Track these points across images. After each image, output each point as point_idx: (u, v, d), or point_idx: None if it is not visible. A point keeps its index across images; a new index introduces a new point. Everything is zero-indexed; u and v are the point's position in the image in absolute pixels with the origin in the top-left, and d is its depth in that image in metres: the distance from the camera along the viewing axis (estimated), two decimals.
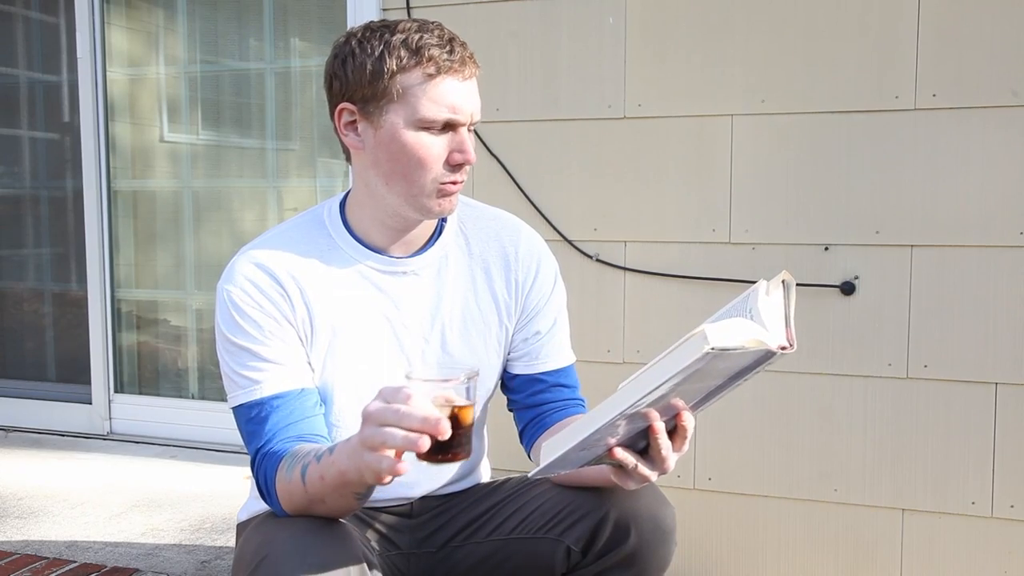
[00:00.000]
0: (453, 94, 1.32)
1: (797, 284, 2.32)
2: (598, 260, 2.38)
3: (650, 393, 1.06)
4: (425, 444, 1.05)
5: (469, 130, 1.37)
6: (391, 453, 1.08)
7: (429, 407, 1.07)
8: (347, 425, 1.42)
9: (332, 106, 1.41)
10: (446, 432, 1.06)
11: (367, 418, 1.10)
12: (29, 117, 3.43)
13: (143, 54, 3.22)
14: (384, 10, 2.55)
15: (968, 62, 2.08)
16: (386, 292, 1.43)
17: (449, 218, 1.50)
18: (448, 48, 1.32)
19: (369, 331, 1.43)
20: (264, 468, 1.31)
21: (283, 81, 3.06)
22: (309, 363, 1.40)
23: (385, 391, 1.10)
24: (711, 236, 2.28)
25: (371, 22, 1.38)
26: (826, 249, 2.21)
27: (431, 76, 1.31)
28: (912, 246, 2.15)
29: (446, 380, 1.11)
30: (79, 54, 3.15)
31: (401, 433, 1.06)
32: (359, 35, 1.35)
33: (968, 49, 2.08)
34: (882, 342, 2.18)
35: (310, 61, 3.05)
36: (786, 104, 2.21)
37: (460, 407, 1.10)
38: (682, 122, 2.29)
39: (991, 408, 2.12)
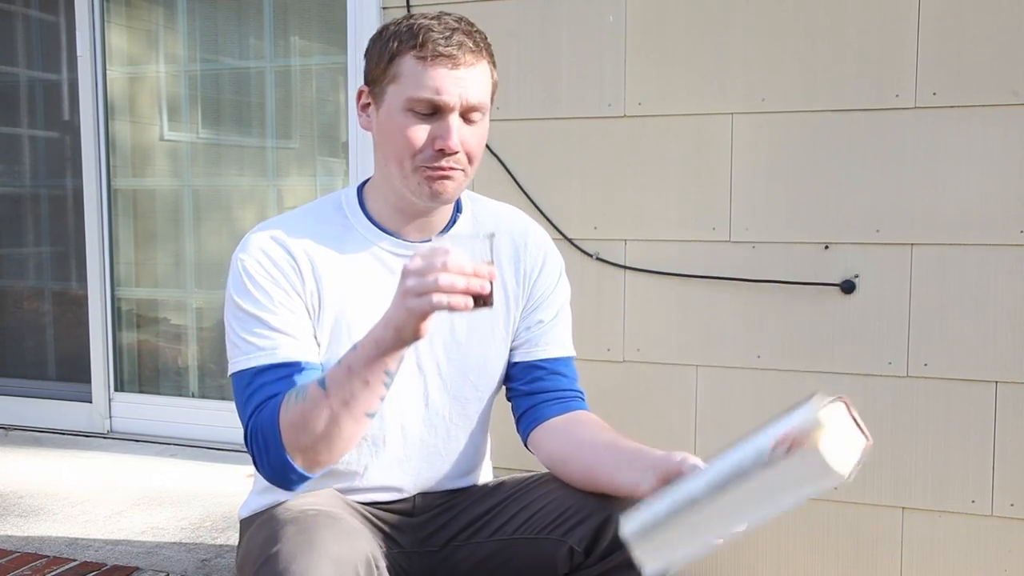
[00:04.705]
0: (440, 78, 1.35)
1: (797, 283, 2.34)
2: (598, 259, 2.38)
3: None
4: (477, 289, 1.16)
5: (469, 120, 1.39)
6: (441, 296, 1.15)
7: (469, 260, 1.17)
8: None
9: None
10: (495, 273, 1.20)
11: (409, 272, 1.18)
12: (29, 116, 3.43)
13: (143, 53, 3.22)
14: (384, 8, 2.55)
15: (968, 61, 2.08)
16: (397, 275, 1.44)
17: (464, 208, 1.54)
18: (446, 36, 1.36)
19: (377, 311, 1.43)
20: (263, 417, 1.31)
21: (283, 80, 3.06)
22: (316, 338, 1.42)
23: (421, 251, 1.19)
24: (711, 235, 2.28)
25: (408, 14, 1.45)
26: (826, 248, 2.21)
27: (422, 59, 1.35)
28: (912, 244, 2.15)
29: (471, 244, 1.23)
30: (79, 52, 3.15)
31: (448, 279, 1.14)
32: (388, 23, 1.43)
33: (968, 48, 2.08)
34: (882, 341, 2.18)
35: (310, 60, 3.04)
36: (786, 103, 2.21)
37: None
38: (682, 121, 2.29)
39: (991, 407, 2.12)
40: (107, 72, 3.18)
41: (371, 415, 1.30)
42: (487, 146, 2.42)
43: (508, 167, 2.43)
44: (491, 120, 2.42)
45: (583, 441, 1.44)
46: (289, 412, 1.29)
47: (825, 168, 2.19)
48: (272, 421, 1.30)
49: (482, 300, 1.19)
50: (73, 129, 3.27)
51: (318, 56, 3.04)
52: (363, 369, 1.24)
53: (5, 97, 3.44)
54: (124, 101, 3.23)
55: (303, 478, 1.33)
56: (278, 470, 1.32)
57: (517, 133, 2.42)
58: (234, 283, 1.40)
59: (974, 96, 2.08)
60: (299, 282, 1.40)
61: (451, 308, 1.15)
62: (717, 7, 2.25)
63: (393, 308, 1.22)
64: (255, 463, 1.35)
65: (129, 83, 3.23)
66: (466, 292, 1.16)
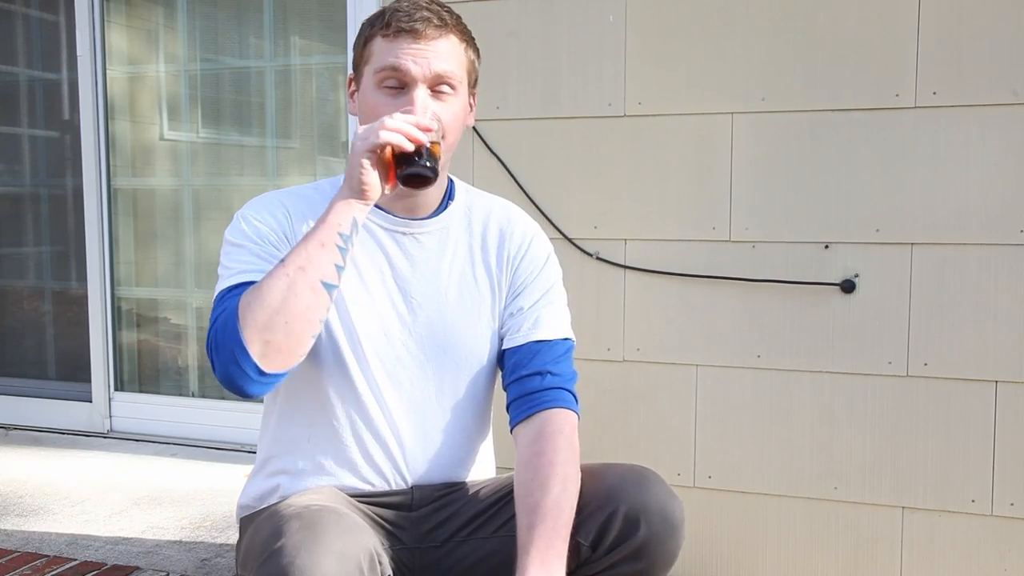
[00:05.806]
0: (402, 51, 1.41)
1: (797, 283, 2.34)
2: (598, 258, 2.38)
3: None
4: (415, 132, 1.30)
5: (439, 94, 1.43)
6: (384, 132, 1.29)
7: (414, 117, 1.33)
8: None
9: None
10: (432, 126, 1.33)
11: (360, 128, 1.32)
12: (29, 115, 3.43)
13: (143, 52, 3.22)
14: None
15: (968, 60, 2.08)
16: (386, 249, 1.50)
17: (457, 194, 1.57)
18: (410, 13, 1.41)
19: (363, 282, 1.48)
20: (223, 315, 1.32)
21: (283, 79, 3.06)
22: None
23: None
24: (711, 234, 2.28)
25: None
26: (826, 247, 2.21)
27: (387, 37, 1.41)
28: (912, 244, 2.15)
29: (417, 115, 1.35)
30: (79, 52, 3.15)
31: (390, 121, 1.29)
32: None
33: (968, 47, 2.08)
34: (882, 340, 2.18)
35: (310, 59, 3.05)
36: (786, 102, 2.21)
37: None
38: (682, 120, 2.29)
39: (991, 406, 2.12)
40: (107, 72, 3.18)
41: (329, 288, 1.32)
42: (485, 144, 2.43)
43: (508, 166, 2.43)
44: (491, 120, 2.43)
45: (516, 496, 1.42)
46: (248, 293, 1.31)
47: (825, 168, 2.19)
48: (232, 309, 1.31)
49: (430, 162, 1.31)
50: (73, 129, 3.27)
51: (318, 56, 3.04)
52: (317, 230, 1.31)
53: (5, 97, 3.44)
54: (124, 101, 3.23)
55: (259, 373, 1.29)
56: (230, 361, 1.28)
57: (517, 133, 2.43)
58: (231, 228, 1.46)
59: (974, 96, 2.08)
60: (291, 234, 1.45)
61: (393, 146, 1.29)
62: (717, 7, 2.25)
63: (350, 161, 1.33)
64: (213, 369, 1.33)
65: (129, 83, 3.23)
66: (405, 133, 1.29)
